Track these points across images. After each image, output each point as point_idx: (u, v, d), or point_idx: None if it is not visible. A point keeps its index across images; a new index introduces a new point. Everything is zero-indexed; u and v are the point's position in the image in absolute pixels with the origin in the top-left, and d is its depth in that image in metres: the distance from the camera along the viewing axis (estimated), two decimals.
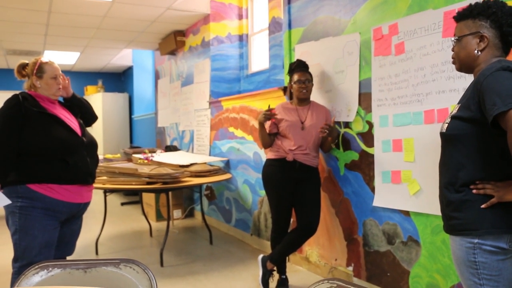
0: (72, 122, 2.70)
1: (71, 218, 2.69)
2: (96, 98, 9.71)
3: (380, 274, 3.08)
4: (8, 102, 2.53)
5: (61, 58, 8.45)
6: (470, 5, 1.77)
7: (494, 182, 1.65)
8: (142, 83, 9.45)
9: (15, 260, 2.53)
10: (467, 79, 2.39)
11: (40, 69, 2.63)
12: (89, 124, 2.97)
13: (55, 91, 2.66)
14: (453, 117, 1.74)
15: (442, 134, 1.80)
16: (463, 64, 1.80)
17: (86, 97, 10.27)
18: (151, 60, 9.07)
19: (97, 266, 1.45)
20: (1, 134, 2.46)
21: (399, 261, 2.92)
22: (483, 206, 1.65)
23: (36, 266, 1.44)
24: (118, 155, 7.60)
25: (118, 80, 10.83)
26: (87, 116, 2.94)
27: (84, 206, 2.72)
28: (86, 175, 2.65)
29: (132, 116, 9.81)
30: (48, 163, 2.49)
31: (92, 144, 2.78)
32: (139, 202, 7.14)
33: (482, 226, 1.65)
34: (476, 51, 1.73)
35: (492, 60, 1.71)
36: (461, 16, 1.79)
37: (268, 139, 3.29)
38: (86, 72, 10.46)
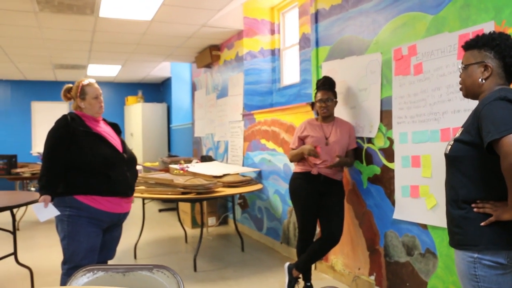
0: (114, 139, 2.98)
1: (112, 226, 2.96)
2: (136, 108, 10.13)
3: (400, 284, 3.21)
4: (58, 123, 2.83)
5: (103, 71, 8.90)
6: (477, 36, 1.92)
7: (493, 201, 1.80)
8: (180, 94, 9.83)
9: (64, 263, 2.83)
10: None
11: (82, 92, 2.91)
12: None
13: (97, 109, 2.95)
14: (456, 140, 1.90)
15: (446, 155, 1.96)
16: (469, 91, 1.96)
17: (126, 107, 10.71)
18: (189, 71, 9.43)
19: (133, 270, 1.69)
20: (52, 151, 2.76)
21: (417, 272, 3.06)
22: (482, 224, 1.80)
23: (84, 269, 1.69)
24: (157, 163, 7.95)
25: (157, 90, 11.25)
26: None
27: (124, 216, 3.00)
28: (126, 188, 2.91)
29: (170, 126, 10.18)
30: (92, 177, 2.77)
31: (132, 160, 3.05)
32: (176, 209, 7.46)
33: (481, 242, 1.80)
34: (480, 80, 1.88)
35: (495, 88, 1.86)
36: (468, 46, 1.94)
37: (300, 159, 3.47)
38: (127, 83, 10.94)
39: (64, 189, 2.77)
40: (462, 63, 1.95)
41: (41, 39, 6.13)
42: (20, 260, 3.92)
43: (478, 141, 1.78)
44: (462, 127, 1.92)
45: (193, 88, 8.19)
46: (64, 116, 2.86)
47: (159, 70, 9.36)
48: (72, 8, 4.80)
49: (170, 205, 7.85)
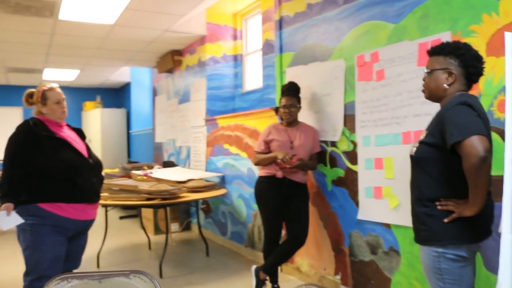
0: (79, 144, 2.93)
1: (77, 234, 2.90)
2: (95, 114, 9.94)
3: (365, 282, 3.31)
4: (19, 128, 2.76)
5: (61, 75, 8.69)
6: (443, 43, 2.06)
7: (455, 199, 1.91)
8: (139, 99, 9.71)
9: (26, 274, 2.73)
10: (439, 104, 2.65)
11: (43, 97, 2.84)
12: None
13: (60, 114, 2.88)
14: (421, 142, 2.02)
15: (411, 156, 2.07)
16: (432, 94, 2.08)
17: (84, 113, 10.49)
18: (149, 76, 9.34)
19: (110, 277, 1.68)
20: (14, 158, 2.69)
21: (381, 269, 3.17)
22: (445, 220, 1.91)
23: (57, 278, 1.67)
24: (117, 169, 7.81)
25: (116, 96, 11.08)
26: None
27: (90, 223, 2.94)
28: (92, 194, 2.86)
29: (130, 131, 10.04)
30: (57, 183, 2.70)
31: (97, 165, 3.00)
32: (137, 216, 7.35)
33: (445, 238, 1.92)
34: (445, 85, 2.00)
35: (456, 93, 1.98)
36: (434, 52, 2.07)
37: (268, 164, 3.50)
38: (85, 88, 10.71)
39: (26, 197, 2.68)
40: (426, 67, 2.06)
41: None
42: None
43: (442, 143, 1.89)
44: (426, 130, 2.03)
45: (154, 93, 8.13)
46: (26, 121, 2.79)
47: (119, 75, 9.23)
48: (30, 10, 4.68)
49: (131, 212, 7.72)
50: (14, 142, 2.73)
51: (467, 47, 1.99)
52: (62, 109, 2.89)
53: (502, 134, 2.31)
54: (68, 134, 2.93)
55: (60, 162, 2.72)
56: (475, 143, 1.72)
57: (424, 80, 2.11)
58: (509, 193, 1.39)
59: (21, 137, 2.72)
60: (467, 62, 1.97)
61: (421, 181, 2.00)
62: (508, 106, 1.42)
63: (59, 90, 2.92)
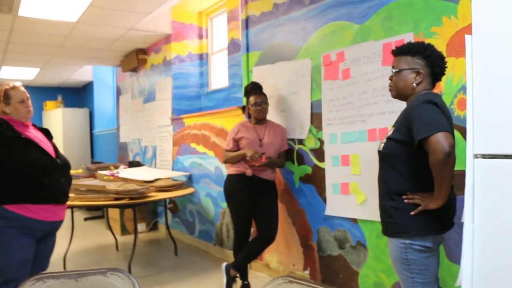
0: (46, 144, 2.87)
1: (45, 236, 2.84)
2: (56, 114, 9.71)
3: (333, 276, 3.40)
4: None
5: (19, 73, 8.43)
6: (409, 43, 2.15)
7: (421, 193, 2.01)
8: (102, 99, 9.55)
9: None
10: (404, 103, 2.74)
11: (6, 96, 2.77)
12: None
13: (25, 114, 2.81)
14: (388, 138, 2.10)
15: (379, 152, 2.16)
16: (399, 93, 2.16)
17: (45, 113, 10.23)
18: (112, 75, 9.19)
19: (86, 276, 1.68)
20: None
21: (349, 263, 3.26)
22: (412, 213, 2.00)
23: (32, 279, 1.65)
24: (80, 170, 7.68)
25: (78, 95, 10.85)
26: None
27: (58, 224, 2.89)
28: (60, 195, 2.81)
29: (93, 131, 9.86)
30: (24, 184, 2.64)
31: (65, 165, 2.95)
32: (102, 217, 7.26)
33: (411, 229, 2.01)
34: (414, 84, 2.09)
35: (422, 92, 2.07)
36: (400, 52, 2.15)
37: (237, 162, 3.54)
38: (45, 87, 10.43)
39: None
40: (393, 67, 2.15)
41: None
42: None
43: (409, 139, 1.98)
44: (393, 126, 2.12)
45: (118, 92, 8.02)
46: None
47: (80, 74, 9.04)
48: None
49: (96, 213, 7.61)
50: None
51: (432, 48, 2.09)
52: (27, 108, 2.83)
53: (461, 130, 2.43)
54: (35, 134, 2.87)
55: (27, 163, 2.66)
56: (440, 139, 1.81)
57: (391, 79, 2.19)
58: (471, 185, 1.48)
59: None
60: (433, 62, 2.07)
61: (389, 175, 2.09)
62: (468, 104, 1.51)
63: (22, 88, 2.86)
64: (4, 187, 2.63)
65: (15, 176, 2.64)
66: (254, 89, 3.60)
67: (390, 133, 2.12)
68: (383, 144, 2.12)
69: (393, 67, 2.16)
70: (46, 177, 2.71)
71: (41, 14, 4.83)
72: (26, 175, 2.65)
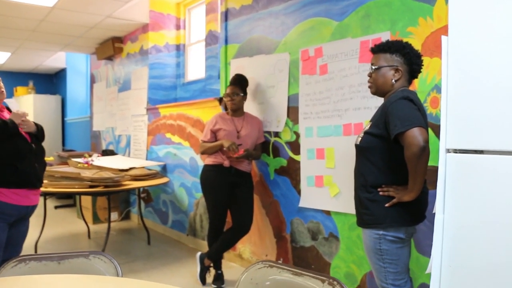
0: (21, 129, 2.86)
1: (19, 220, 2.83)
2: (27, 100, 9.51)
3: (305, 267, 3.48)
4: None
5: None
6: (388, 41, 2.23)
7: (396, 186, 2.10)
8: (75, 86, 9.40)
9: None
10: (378, 99, 2.83)
11: None
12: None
13: None
14: (366, 133, 2.18)
15: (356, 145, 2.24)
16: (379, 89, 2.24)
17: (15, 98, 10.00)
18: (85, 63, 9.06)
19: (69, 258, 1.71)
20: None
21: (321, 254, 3.35)
22: (386, 205, 2.09)
23: (14, 260, 1.67)
24: (52, 158, 7.56)
25: (50, 82, 10.64)
26: (40, 139, 3.06)
27: (32, 209, 2.89)
28: (34, 180, 2.81)
29: (65, 119, 9.71)
30: None
31: (40, 150, 2.95)
32: (73, 205, 7.19)
33: (385, 221, 2.10)
34: (393, 80, 2.17)
35: (400, 89, 2.16)
36: (379, 49, 2.22)
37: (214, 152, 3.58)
38: (16, 72, 10.18)
39: None
40: (373, 64, 2.22)
41: None
42: None
43: (385, 134, 2.07)
44: (370, 121, 2.20)
45: (92, 80, 7.92)
46: None
47: (53, 60, 8.87)
48: None
49: (66, 202, 7.52)
50: None
51: (410, 46, 2.17)
52: (0, 88, 2.82)
53: (434, 128, 2.53)
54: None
55: (2, 146, 2.65)
56: (416, 134, 1.90)
57: (370, 76, 2.26)
58: (443, 178, 1.57)
59: None
60: (412, 60, 2.16)
61: (365, 168, 2.17)
62: (443, 101, 1.59)
63: None
64: None
65: None
66: (233, 80, 3.65)
67: (367, 127, 2.20)
68: (360, 138, 2.20)
69: (372, 64, 2.23)
70: (21, 162, 2.70)
71: None
72: (1, 159, 2.64)
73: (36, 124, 2.93)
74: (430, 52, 2.61)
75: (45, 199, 4.76)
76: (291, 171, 3.59)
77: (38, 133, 2.95)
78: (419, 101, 2.11)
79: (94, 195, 5.47)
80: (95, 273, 1.66)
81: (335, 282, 1.37)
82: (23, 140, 2.78)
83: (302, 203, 3.47)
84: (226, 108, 3.72)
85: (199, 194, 4.74)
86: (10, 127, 2.66)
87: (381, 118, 2.10)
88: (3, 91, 2.84)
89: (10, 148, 2.67)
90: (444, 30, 2.52)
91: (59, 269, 1.68)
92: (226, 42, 4.32)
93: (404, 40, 2.25)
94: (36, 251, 4.55)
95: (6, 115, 2.86)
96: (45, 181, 4.05)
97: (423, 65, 2.22)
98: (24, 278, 1.59)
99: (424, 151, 1.91)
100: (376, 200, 2.12)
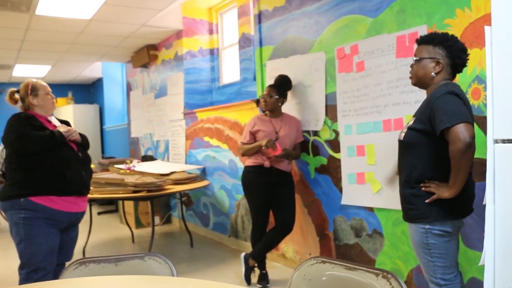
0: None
1: (69, 226, 2.95)
2: (67, 110, 9.82)
3: None
4: (16, 116, 2.78)
5: (31, 71, 8.53)
6: (432, 33, 2.22)
7: (438, 182, 2.08)
8: (112, 94, 9.66)
9: (21, 267, 2.77)
10: (418, 93, 2.84)
11: (34, 89, 2.90)
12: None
13: (51, 105, 2.95)
14: (409, 128, 2.17)
15: (400, 141, 2.23)
16: (419, 81, 2.22)
17: (56, 109, 10.32)
18: (121, 71, 9.29)
19: (125, 260, 1.78)
20: (26, 132, 2.70)
21: (366, 251, 3.35)
22: (427, 201, 2.08)
23: (75, 262, 1.76)
24: (93, 165, 7.78)
25: (88, 91, 10.96)
26: (85, 148, 3.17)
27: (81, 215, 3.00)
28: (81, 187, 2.93)
29: (103, 127, 9.97)
30: (48, 177, 2.75)
31: (86, 159, 3.06)
32: (115, 211, 7.39)
33: (431, 215, 2.09)
34: (432, 73, 2.15)
35: (442, 82, 2.14)
36: (423, 41, 2.21)
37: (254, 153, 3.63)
38: (56, 84, 10.53)
39: (17, 191, 2.73)
40: (415, 55, 2.21)
41: None
42: None
43: (430, 129, 2.06)
44: (414, 116, 2.19)
45: (128, 88, 8.11)
46: (18, 114, 2.83)
47: (90, 70, 9.14)
48: (6, 4, 4.62)
49: (109, 208, 7.73)
50: (19, 125, 2.73)
51: (454, 39, 2.14)
52: (52, 99, 2.96)
53: (476, 120, 2.50)
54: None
55: (50, 156, 2.76)
56: (462, 130, 1.89)
57: (411, 67, 2.24)
58: (491, 169, 1.56)
59: (22, 124, 2.74)
60: (454, 53, 2.13)
61: (409, 164, 2.16)
62: (489, 91, 1.58)
63: (45, 83, 2.98)
64: (29, 180, 2.74)
65: (40, 169, 2.74)
66: (274, 82, 3.71)
67: (411, 122, 2.18)
68: (403, 134, 2.19)
69: (414, 55, 2.22)
70: (69, 170, 2.81)
71: (57, 13, 4.92)
72: (50, 168, 2.76)
73: (80, 134, 3.03)
74: (469, 43, 2.58)
75: (90, 206, 4.91)
76: (332, 169, 3.60)
77: (83, 142, 3.06)
78: (464, 95, 2.09)
79: (138, 200, 5.61)
80: (151, 274, 1.73)
81: (389, 275, 1.38)
82: (70, 149, 2.89)
83: (344, 201, 3.47)
84: (262, 109, 3.77)
85: (240, 196, 4.80)
86: (57, 137, 2.78)
87: (425, 113, 2.09)
88: (54, 102, 2.98)
89: (58, 157, 2.79)
90: (484, 20, 2.49)
91: (116, 270, 1.75)
92: (261, 44, 4.37)
93: (451, 34, 2.21)
94: (84, 256, 4.69)
95: (56, 124, 2.99)
96: (91, 188, 4.19)
97: (468, 59, 2.17)
98: (86, 280, 1.67)
99: (470, 147, 1.90)
100: (421, 195, 2.10)
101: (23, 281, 2.76)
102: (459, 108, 1.95)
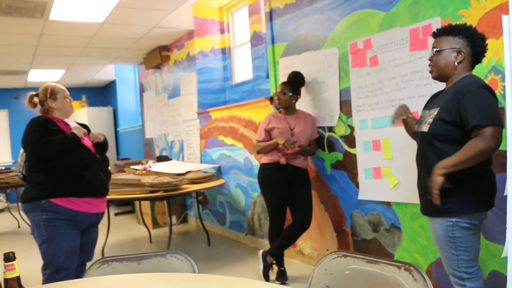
0: (87, 141, 3.02)
1: (89, 227, 3.00)
2: (81, 113, 9.91)
3: None
4: (34, 121, 2.82)
5: (45, 76, 8.63)
6: (450, 24, 2.18)
7: (466, 174, 2.03)
8: (125, 96, 9.73)
9: (44, 268, 2.83)
10: (433, 86, 2.81)
11: (52, 92, 2.94)
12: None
13: (69, 108, 2.99)
14: (437, 119, 2.09)
15: (423, 133, 2.16)
16: (440, 72, 2.18)
17: None
18: (133, 73, 9.35)
19: (147, 258, 1.80)
20: (40, 138, 2.72)
21: (384, 246, 3.34)
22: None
23: (98, 261, 1.78)
24: (109, 167, 7.85)
25: (101, 94, 11.05)
26: (104, 149, 3.23)
27: (100, 216, 3.05)
28: (100, 188, 2.97)
29: (118, 129, 10.05)
30: (67, 179, 2.80)
31: (104, 160, 3.11)
32: (132, 211, 7.45)
33: (459, 208, 2.05)
34: (455, 63, 2.12)
35: (465, 73, 2.11)
36: (442, 32, 2.18)
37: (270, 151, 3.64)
38: (70, 87, 10.57)
39: (38, 193, 2.77)
40: (434, 47, 2.18)
41: None
42: None
43: (458, 121, 2.02)
44: (436, 107, 2.14)
45: (141, 89, 8.17)
46: (36, 118, 2.87)
47: (103, 73, 9.21)
48: (21, 11, 4.69)
49: (125, 208, 7.80)
50: (36, 130, 2.77)
51: (474, 29, 2.12)
52: (70, 102, 3.00)
53: None
54: None
55: (69, 159, 2.80)
56: (495, 134, 1.89)
57: (431, 59, 2.20)
58: None
59: (40, 128, 2.78)
60: (475, 42, 2.10)
61: (432, 156, 2.11)
62: (507, 81, 1.57)
63: (62, 86, 3.02)
64: (50, 182, 2.78)
65: (59, 171, 2.79)
66: (287, 79, 3.72)
67: (435, 113, 2.11)
68: (428, 125, 2.12)
69: (433, 48, 2.18)
70: (87, 172, 2.85)
71: (70, 17, 4.97)
72: (70, 170, 2.80)
73: (80, 125, 3.09)
74: (485, 34, 2.54)
75: (108, 206, 4.97)
76: (348, 165, 3.60)
77: (103, 143, 3.11)
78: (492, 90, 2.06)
79: (155, 199, 5.66)
80: (173, 271, 1.75)
81: (411, 268, 1.38)
82: (88, 151, 2.93)
83: (361, 196, 3.47)
84: (276, 106, 3.78)
85: (256, 194, 4.81)
86: (70, 139, 2.80)
87: (453, 104, 2.03)
88: (72, 105, 3.02)
89: (77, 160, 2.83)
90: (500, 9, 2.46)
91: (139, 268, 1.78)
92: (273, 41, 4.37)
93: (470, 24, 2.20)
94: (103, 256, 4.74)
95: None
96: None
97: (487, 49, 2.15)
98: (110, 278, 1.69)
99: (491, 152, 1.91)
100: (446, 188, 2.06)
101: (46, 281, 2.81)
102: (494, 108, 1.94)
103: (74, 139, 2.83)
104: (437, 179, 2.01)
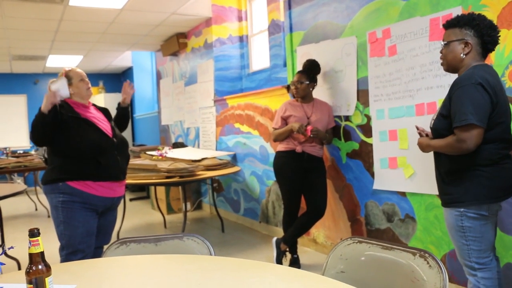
0: (104, 124, 3.03)
1: (106, 211, 3.03)
2: (99, 99, 10.01)
3: None
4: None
5: (64, 61, 8.73)
6: (458, 16, 2.17)
7: (477, 167, 2.07)
8: (142, 83, 9.79)
9: (61, 249, 2.89)
10: (452, 76, 2.75)
11: (67, 77, 2.96)
12: (121, 131, 3.31)
13: (85, 92, 2.99)
14: (438, 114, 2.16)
15: (431, 128, 2.22)
16: (450, 65, 2.20)
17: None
18: (150, 60, 9.40)
19: (165, 240, 1.84)
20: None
21: (398, 236, 3.34)
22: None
23: (117, 242, 1.83)
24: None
25: (118, 80, 11.14)
26: (124, 124, 3.27)
27: (118, 200, 3.08)
28: (117, 172, 2.98)
29: (134, 115, 10.14)
30: (83, 163, 2.82)
31: (123, 144, 3.12)
32: (146, 197, 7.54)
33: (466, 199, 2.07)
34: (462, 55, 2.12)
35: (473, 63, 2.11)
36: (449, 25, 2.18)
37: (285, 138, 3.66)
38: (88, 73, 10.68)
39: (56, 176, 2.82)
40: (443, 40, 2.18)
41: (2, 28, 5.99)
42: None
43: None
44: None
45: (158, 76, 8.22)
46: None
47: (120, 59, 9.29)
48: None
49: (140, 194, 7.89)
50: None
51: (481, 18, 2.10)
52: (87, 86, 3.01)
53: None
54: (94, 114, 3.02)
55: (83, 142, 2.81)
56: (470, 136, 1.96)
57: (441, 52, 2.22)
58: None
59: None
60: (482, 31, 2.08)
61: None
62: None
63: (79, 70, 3.04)
64: (66, 165, 2.82)
65: (75, 155, 2.81)
66: (303, 67, 3.70)
67: (439, 107, 2.17)
68: (433, 121, 2.20)
69: (443, 41, 2.19)
70: (102, 156, 2.87)
71: (90, 3, 5.01)
72: (84, 154, 2.82)
73: (101, 108, 3.17)
74: (508, 24, 2.53)
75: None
76: (364, 154, 3.60)
77: (125, 111, 3.24)
78: (494, 79, 2.04)
79: (171, 185, 5.71)
80: (190, 253, 1.78)
81: (426, 255, 1.39)
82: (103, 134, 2.94)
83: (376, 186, 3.47)
84: (294, 95, 3.77)
85: (271, 182, 4.83)
86: (46, 115, 2.67)
87: (448, 99, 2.08)
88: (90, 87, 3.04)
89: (92, 144, 2.84)
90: None
91: (157, 250, 1.82)
92: (291, 30, 4.36)
93: (478, 13, 2.18)
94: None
95: (93, 111, 3.06)
96: None
97: (499, 36, 2.12)
98: (128, 258, 1.73)
99: (465, 152, 2.00)
100: (455, 179, 2.09)
101: (63, 262, 2.86)
102: (476, 107, 1.95)
103: (42, 114, 2.67)
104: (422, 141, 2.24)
